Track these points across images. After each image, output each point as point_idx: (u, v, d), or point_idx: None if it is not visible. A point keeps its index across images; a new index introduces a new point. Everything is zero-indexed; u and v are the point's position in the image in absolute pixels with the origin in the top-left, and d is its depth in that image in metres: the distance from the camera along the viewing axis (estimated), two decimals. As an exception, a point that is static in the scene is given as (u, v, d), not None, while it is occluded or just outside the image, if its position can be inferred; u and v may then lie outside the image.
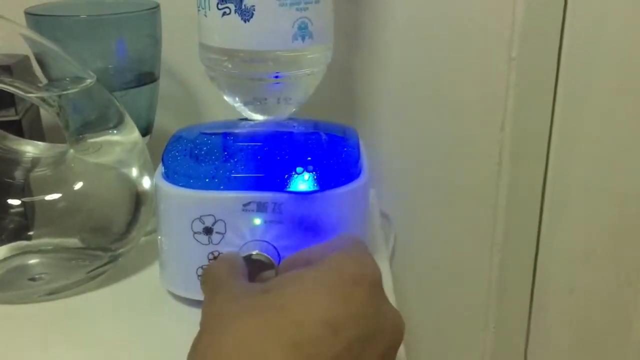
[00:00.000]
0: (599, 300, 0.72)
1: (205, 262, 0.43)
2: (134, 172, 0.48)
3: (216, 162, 0.43)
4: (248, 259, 0.41)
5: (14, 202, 0.47)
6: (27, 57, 0.54)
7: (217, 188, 0.43)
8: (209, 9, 0.45)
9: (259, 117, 0.50)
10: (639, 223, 0.69)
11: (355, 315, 0.30)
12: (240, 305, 0.31)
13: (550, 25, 0.62)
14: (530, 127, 0.65)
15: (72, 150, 0.47)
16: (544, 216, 0.69)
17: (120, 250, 0.48)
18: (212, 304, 0.33)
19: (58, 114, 0.47)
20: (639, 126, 0.66)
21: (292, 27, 0.45)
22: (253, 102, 0.49)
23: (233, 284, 0.34)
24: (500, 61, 0.62)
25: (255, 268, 0.40)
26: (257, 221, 0.42)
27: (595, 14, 0.62)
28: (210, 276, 0.36)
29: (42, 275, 0.48)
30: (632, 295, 0.72)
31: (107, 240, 0.48)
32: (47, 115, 0.58)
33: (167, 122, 0.59)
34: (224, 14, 0.45)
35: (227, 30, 0.45)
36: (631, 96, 0.64)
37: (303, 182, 0.43)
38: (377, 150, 0.65)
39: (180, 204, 0.43)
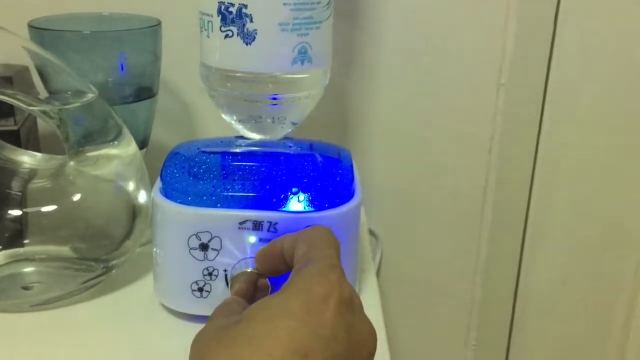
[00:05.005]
0: (577, 321, 0.74)
1: (200, 277, 0.44)
2: (131, 185, 0.49)
3: (214, 181, 0.44)
4: (244, 275, 0.42)
5: (12, 212, 0.47)
6: (26, 68, 0.54)
7: (214, 206, 0.44)
8: (212, 31, 0.46)
9: (254, 136, 0.51)
10: (617, 247, 0.71)
11: (325, 338, 0.30)
12: (216, 339, 0.31)
13: (539, 54, 0.64)
14: (516, 151, 0.67)
15: (71, 163, 0.48)
16: (526, 238, 0.71)
17: (115, 262, 0.49)
18: (196, 341, 0.34)
19: (58, 127, 0.47)
20: (622, 153, 0.68)
21: (292, 51, 0.46)
22: (249, 120, 0.50)
23: (216, 321, 0.34)
24: (489, 87, 0.64)
25: (252, 284, 0.41)
26: (252, 239, 0.43)
27: (582, 44, 0.64)
28: (208, 320, 0.37)
29: (36, 285, 0.48)
30: (608, 317, 0.74)
31: (102, 252, 0.49)
32: (43, 124, 0.59)
33: (164, 136, 0.60)
34: (227, 36, 0.46)
35: (228, 52, 0.46)
36: (615, 123, 0.66)
37: (298, 202, 0.44)
38: (367, 169, 0.66)
39: (177, 220, 0.44)
